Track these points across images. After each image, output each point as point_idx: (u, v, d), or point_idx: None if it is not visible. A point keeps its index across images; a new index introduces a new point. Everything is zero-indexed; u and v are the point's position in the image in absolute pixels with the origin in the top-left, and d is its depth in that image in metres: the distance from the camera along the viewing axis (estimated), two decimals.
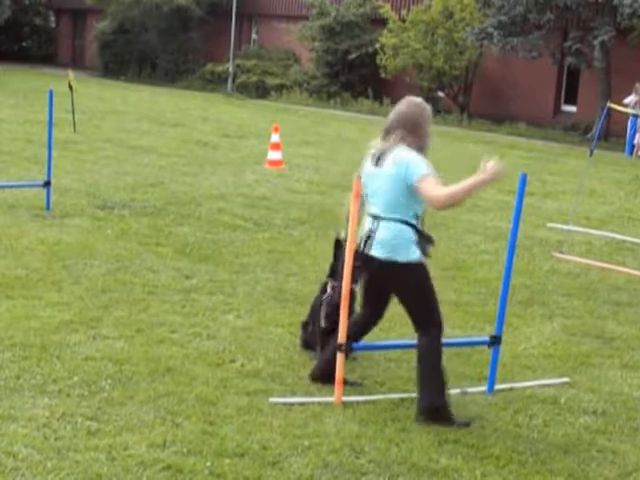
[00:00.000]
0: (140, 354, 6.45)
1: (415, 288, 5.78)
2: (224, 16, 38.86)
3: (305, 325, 6.87)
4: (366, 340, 6.37)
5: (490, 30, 27.06)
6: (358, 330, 6.11)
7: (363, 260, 5.77)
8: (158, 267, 8.88)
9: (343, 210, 6.20)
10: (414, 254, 5.70)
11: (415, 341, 5.88)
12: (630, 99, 24.22)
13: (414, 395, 5.87)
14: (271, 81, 35.21)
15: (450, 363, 6.19)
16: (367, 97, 32.29)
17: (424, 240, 5.75)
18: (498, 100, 30.79)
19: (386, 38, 31.18)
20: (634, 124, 24.15)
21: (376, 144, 5.90)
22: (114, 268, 8.70)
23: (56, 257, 8.92)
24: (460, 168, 9.56)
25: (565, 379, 6.72)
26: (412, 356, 6.12)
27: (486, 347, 6.39)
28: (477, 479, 5.04)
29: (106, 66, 41.70)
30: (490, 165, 5.52)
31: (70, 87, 18.95)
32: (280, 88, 34.58)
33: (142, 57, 40.96)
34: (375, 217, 5.79)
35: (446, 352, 5.98)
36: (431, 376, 5.74)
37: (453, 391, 6.12)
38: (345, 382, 5.91)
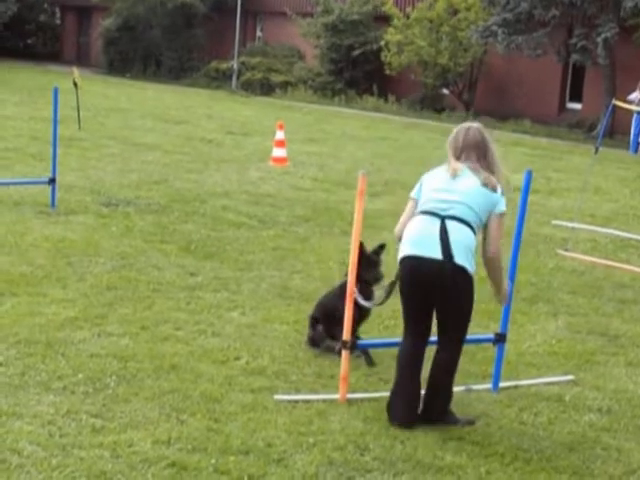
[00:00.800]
0: (145, 351, 6.45)
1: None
2: (229, 13, 38.88)
3: (313, 322, 6.85)
4: (370, 337, 6.36)
5: (494, 28, 27.00)
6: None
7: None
8: (163, 264, 8.88)
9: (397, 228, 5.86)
10: None
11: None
12: (634, 96, 24.17)
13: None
14: (276, 78, 35.20)
15: None
16: (372, 94, 32.26)
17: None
18: (503, 97, 30.75)
19: (390, 35, 31.16)
20: (639, 121, 24.11)
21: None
22: (119, 265, 8.71)
23: (61, 254, 8.92)
24: None
25: (570, 377, 6.71)
26: None
27: (491, 345, 6.39)
28: (482, 476, 5.04)
29: (111, 63, 41.73)
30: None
31: (75, 84, 18.98)
32: (285, 85, 34.58)
33: (147, 54, 40.97)
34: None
35: None
36: (449, 387, 5.71)
37: (458, 388, 6.12)
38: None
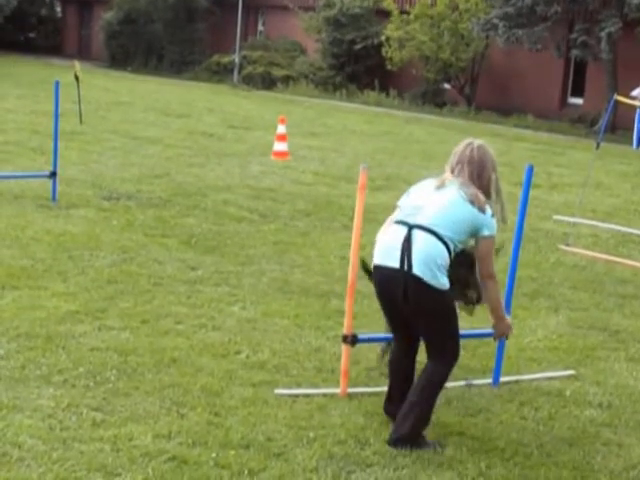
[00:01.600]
0: (145, 345, 6.46)
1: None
2: (230, 7, 38.84)
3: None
4: (371, 332, 6.36)
5: (495, 21, 26.99)
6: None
7: None
8: (164, 258, 8.88)
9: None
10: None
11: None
12: (637, 92, 24.13)
13: None
14: (277, 72, 35.17)
15: None
16: (373, 89, 32.24)
17: None
18: (505, 92, 30.72)
19: (391, 30, 31.12)
20: None
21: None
22: (120, 259, 8.71)
23: (62, 248, 8.92)
24: None
25: (570, 372, 6.71)
26: None
27: (492, 339, 6.38)
28: (482, 471, 5.03)
29: (112, 57, 41.67)
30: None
31: (76, 78, 18.94)
32: (286, 79, 34.54)
33: (148, 48, 40.91)
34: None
35: None
36: (424, 405, 5.30)
37: (459, 383, 6.13)
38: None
